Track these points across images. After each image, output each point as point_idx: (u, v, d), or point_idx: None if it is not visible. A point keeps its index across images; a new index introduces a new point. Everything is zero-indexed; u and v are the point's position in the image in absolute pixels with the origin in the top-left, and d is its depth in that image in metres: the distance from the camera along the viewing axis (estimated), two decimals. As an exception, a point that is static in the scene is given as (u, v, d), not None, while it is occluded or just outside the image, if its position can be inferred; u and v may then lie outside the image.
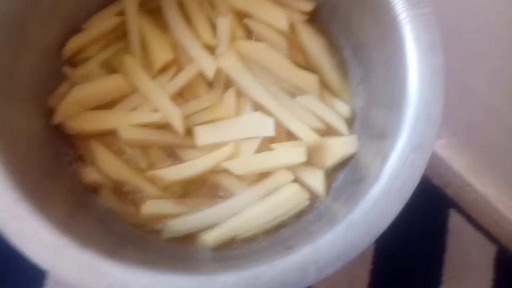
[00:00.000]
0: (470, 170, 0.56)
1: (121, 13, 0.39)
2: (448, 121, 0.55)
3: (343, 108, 0.39)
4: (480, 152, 0.55)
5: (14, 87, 0.32)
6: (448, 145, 0.57)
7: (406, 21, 0.30)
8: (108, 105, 0.38)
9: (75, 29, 0.38)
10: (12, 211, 0.26)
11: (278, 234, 0.36)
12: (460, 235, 0.58)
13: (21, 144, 0.31)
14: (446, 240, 0.57)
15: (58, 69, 0.38)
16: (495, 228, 0.57)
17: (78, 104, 0.36)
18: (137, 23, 0.39)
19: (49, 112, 0.36)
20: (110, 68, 0.39)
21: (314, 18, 0.41)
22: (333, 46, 0.41)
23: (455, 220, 0.58)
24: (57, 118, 0.36)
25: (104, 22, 0.39)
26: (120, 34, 0.40)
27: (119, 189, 0.37)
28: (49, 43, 0.36)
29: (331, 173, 0.39)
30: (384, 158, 0.29)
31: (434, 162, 0.58)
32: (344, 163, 0.38)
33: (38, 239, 0.26)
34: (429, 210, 0.58)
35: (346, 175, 0.38)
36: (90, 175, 0.36)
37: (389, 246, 0.54)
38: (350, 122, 0.40)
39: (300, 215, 0.37)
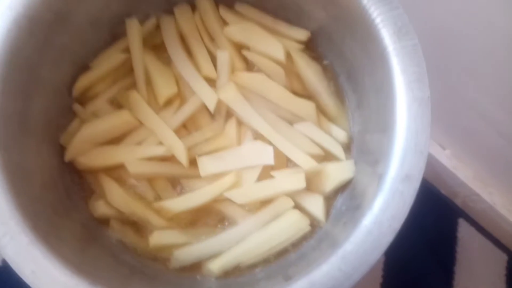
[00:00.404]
0: (477, 180, 0.56)
1: (126, 50, 0.41)
2: (452, 131, 0.56)
3: (340, 133, 0.40)
4: (486, 162, 0.55)
5: (27, 129, 0.34)
6: (453, 155, 0.57)
7: (394, 53, 0.31)
8: (116, 139, 0.40)
9: (84, 68, 0.40)
10: (27, 253, 0.28)
11: (281, 261, 0.38)
12: (469, 245, 0.58)
13: (34, 184, 0.33)
14: (456, 250, 0.57)
15: (69, 107, 0.40)
16: (505, 237, 0.57)
17: (88, 141, 0.39)
18: (141, 59, 0.41)
19: (61, 150, 0.39)
20: (117, 103, 0.41)
21: (310, 46, 0.42)
22: (329, 72, 0.42)
23: (464, 230, 0.58)
24: (69, 156, 0.38)
25: (110, 59, 0.41)
26: (126, 70, 0.42)
27: (128, 221, 0.39)
28: (59, 83, 0.39)
29: (330, 198, 0.40)
30: (377, 186, 0.30)
31: (441, 172, 0.58)
32: (342, 188, 0.39)
33: (52, 280, 0.28)
34: (438, 220, 0.58)
35: (345, 200, 0.39)
36: (100, 208, 0.38)
37: (398, 258, 0.54)
38: (348, 147, 0.41)
39: (301, 241, 0.38)
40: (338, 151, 0.39)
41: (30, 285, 0.28)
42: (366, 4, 0.32)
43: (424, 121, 0.29)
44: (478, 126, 0.52)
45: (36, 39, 0.33)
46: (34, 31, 0.33)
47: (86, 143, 0.39)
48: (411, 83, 0.30)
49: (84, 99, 0.41)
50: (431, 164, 0.57)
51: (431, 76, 0.38)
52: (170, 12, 0.42)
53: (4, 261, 0.49)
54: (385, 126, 0.32)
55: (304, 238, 0.38)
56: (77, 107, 0.40)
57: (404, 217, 0.29)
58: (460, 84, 0.49)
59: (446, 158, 0.57)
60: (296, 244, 0.38)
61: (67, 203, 0.38)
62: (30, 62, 0.34)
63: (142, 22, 0.42)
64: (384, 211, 0.29)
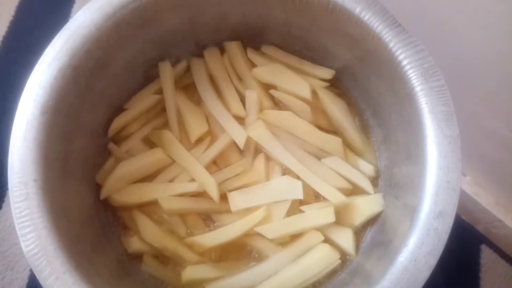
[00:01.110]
0: (499, 206, 0.56)
1: (159, 91, 0.43)
2: (472, 159, 0.56)
3: (367, 167, 0.41)
4: (507, 188, 0.55)
5: (68, 170, 0.36)
6: (473, 182, 0.58)
7: (421, 93, 0.32)
8: (149, 177, 0.41)
9: (118, 109, 0.42)
10: (72, 293, 0.29)
11: (313, 295, 0.38)
12: (493, 271, 0.57)
13: (75, 223, 0.35)
14: (479, 277, 0.57)
15: (104, 147, 0.42)
16: (528, 262, 0.57)
17: (123, 178, 0.40)
18: (173, 99, 0.43)
19: (96, 188, 0.40)
20: (150, 143, 0.43)
21: (335, 83, 0.44)
22: (354, 108, 0.44)
23: (487, 256, 0.58)
24: (104, 193, 0.40)
25: (144, 101, 0.43)
26: (158, 110, 0.44)
27: (161, 256, 0.40)
28: (96, 124, 0.40)
29: (360, 232, 0.40)
30: (411, 222, 0.31)
31: (462, 199, 0.58)
32: (372, 222, 0.40)
33: (95, 317, 0.29)
34: (460, 247, 0.58)
35: (375, 234, 0.39)
36: (134, 244, 0.39)
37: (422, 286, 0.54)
38: (375, 180, 0.42)
39: (332, 275, 0.39)
40: (366, 184, 0.40)
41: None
42: (393, 47, 0.33)
43: (455, 159, 0.30)
44: (498, 153, 0.52)
45: (79, 86, 0.36)
46: (77, 79, 0.35)
47: (121, 181, 0.40)
48: (440, 122, 0.31)
49: (118, 138, 0.43)
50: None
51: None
52: (200, 55, 0.45)
53: None
54: (414, 162, 0.33)
55: (335, 272, 0.39)
56: (112, 146, 0.42)
57: (439, 254, 0.29)
58: (478, 112, 0.50)
59: (467, 185, 0.57)
60: (327, 277, 0.39)
61: (103, 240, 0.39)
62: (73, 108, 0.36)
63: (173, 65, 0.44)
64: (419, 247, 0.29)
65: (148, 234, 0.39)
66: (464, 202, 0.58)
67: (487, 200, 0.57)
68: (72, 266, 0.30)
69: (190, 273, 0.38)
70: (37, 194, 0.31)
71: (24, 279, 0.54)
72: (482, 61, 0.44)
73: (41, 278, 0.30)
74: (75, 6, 0.68)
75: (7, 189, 0.56)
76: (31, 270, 0.54)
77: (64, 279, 0.30)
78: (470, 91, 0.49)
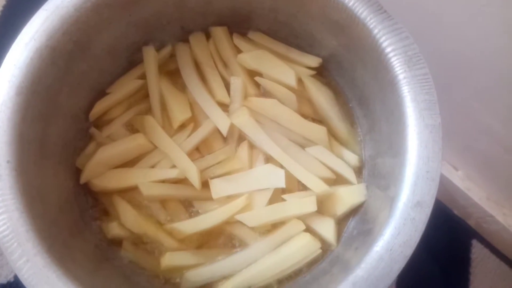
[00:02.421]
0: (491, 201, 0.56)
1: (142, 76, 0.43)
2: (465, 153, 0.56)
3: (352, 157, 0.41)
4: (499, 183, 0.55)
5: (46, 153, 0.35)
6: (465, 176, 0.57)
7: (404, 82, 0.32)
8: (130, 162, 0.41)
9: (101, 93, 0.42)
10: (43, 276, 0.29)
11: (292, 284, 0.38)
12: (484, 266, 0.58)
13: (51, 207, 0.34)
14: (469, 271, 0.57)
15: (85, 131, 0.41)
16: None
17: (103, 163, 0.40)
18: (157, 85, 0.42)
19: (76, 172, 0.40)
20: (132, 128, 0.42)
21: (321, 72, 0.43)
22: (340, 97, 0.43)
23: (478, 251, 0.58)
24: (84, 178, 0.39)
25: (126, 85, 0.42)
26: (141, 95, 0.43)
27: (140, 242, 0.40)
28: (77, 108, 0.40)
29: (342, 222, 0.40)
30: (389, 212, 0.31)
31: (453, 193, 0.58)
32: (354, 212, 0.40)
33: (66, 301, 0.28)
34: (451, 242, 0.58)
35: (356, 224, 0.39)
36: (114, 229, 0.39)
37: (411, 279, 0.54)
38: (359, 171, 0.41)
39: (312, 264, 0.38)
40: (349, 174, 0.40)
41: (46, 307, 0.28)
42: (377, 34, 0.32)
43: (436, 148, 0.30)
44: (491, 148, 0.52)
45: (57, 68, 0.35)
46: (56, 60, 0.34)
47: (101, 166, 0.40)
48: (422, 111, 0.31)
49: (100, 123, 0.42)
50: (444, 185, 0.57)
51: (444, 100, 0.38)
52: (185, 40, 0.44)
53: (16, 276, 0.52)
54: (396, 152, 0.33)
55: (315, 261, 0.38)
56: (93, 130, 0.41)
57: (415, 244, 0.29)
58: (472, 108, 0.50)
59: (459, 179, 0.57)
60: (308, 267, 0.38)
61: (82, 224, 0.39)
62: (51, 90, 0.35)
63: (158, 49, 0.43)
64: (395, 237, 0.29)
65: (128, 219, 0.39)
66: (456, 197, 0.58)
67: (478, 195, 0.56)
68: (44, 249, 0.30)
69: (169, 259, 0.38)
70: (10, 176, 0.31)
71: None
72: (478, 55, 0.44)
73: (11, 260, 0.29)
74: None
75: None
76: None
77: (35, 261, 0.29)
78: (465, 85, 0.48)
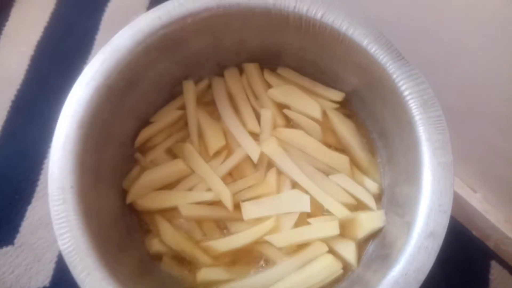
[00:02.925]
0: (509, 224, 0.57)
1: (182, 107, 0.47)
2: (482, 176, 0.58)
3: (372, 185, 0.44)
4: (517, 206, 0.57)
5: (100, 177, 0.40)
6: (483, 199, 0.59)
7: (420, 122, 0.35)
8: (171, 185, 0.45)
9: (145, 122, 0.47)
10: (101, 287, 0.33)
11: (315, 301, 0.41)
12: (502, 287, 0.59)
13: (104, 225, 0.39)
14: (488, 293, 0.58)
15: (131, 156, 0.46)
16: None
17: (147, 186, 0.44)
18: (195, 115, 0.47)
19: (123, 193, 0.44)
20: (173, 154, 0.47)
21: (344, 105, 0.47)
22: (362, 129, 0.47)
23: (496, 272, 0.59)
24: (130, 198, 0.44)
25: (168, 115, 0.47)
26: (181, 124, 0.48)
27: (178, 258, 0.44)
28: (124, 136, 0.45)
29: (362, 245, 0.43)
30: (406, 239, 0.34)
31: (472, 215, 0.60)
32: (373, 236, 0.43)
33: (120, 310, 0.33)
34: (470, 262, 0.59)
35: (375, 248, 0.42)
36: (155, 245, 0.43)
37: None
38: (379, 198, 0.45)
39: (334, 283, 0.42)
40: (370, 201, 0.43)
41: (103, 315, 0.33)
42: (396, 78, 0.36)
43: (447, 184, 0.33)
44: (508, 172, 0.53)
45: (112, 103, 0.40)
46: (110, 97, 0.39)
47: (145, 188, 0.44)
48: (436, 150, 0.34)
49: (144, 149, 0.47)
50: (463, 207, 0.59)
51: (462, 125, 0.41)
52: (220, 74, 0.48)
53: (51, 282, 0.56)
54: (412, 184, 0.36)
55: (337, 280, 0.42)
56: (138, 156, 0.46)
57: (428, 270, 0.32)
58: (489, 132, 0.52)
59: (477, 202, 0.58)
60: (330, 285, 0.42)
61: (127, 241, 0.43)
62: (106, 123, 0.40)
63: (196, 83, 0.48)
64: (410, 263, 0.32)
65: (168, 237, 0.43)
66: (474, 218, 0.59)
67: (496, 218, 0.57)
68: (102, 264, 0.34)
69: (204, 274, 0.42)
70: (73, 199, 0.36)
71: (49, 270, 0.58)
72: (492, 83, 0.46)
73: (75, 273, 0.34)
74: (105, 14, 0.72)
75: (36, 185, 0.61)
76: (56, 263, 0.58)
77: (95, 274, 0.34)
78: (480, 112, 0.50)
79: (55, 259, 0.58)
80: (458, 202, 0.58)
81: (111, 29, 0.70)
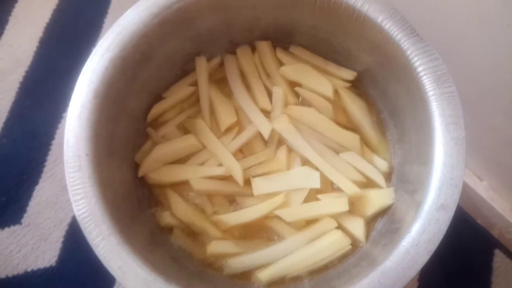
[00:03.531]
0: (515, 213, 0.58)
1: (194, 84, 0.48)
2: (489, 164, 0.58)
3: (382, 163, 0.45)
4: (523, 195, 0.57)
5: (113, 149, 0.41)
6: (489, 187, 0.59)
7: (433, 98, 0.36)
8: (182, 159, 0.46)
9: (157, 98, 0.47)
10: (116, 252, 0.34)
11: (323, 275, 0.42)
12: (505, 276, 0.59)
13: (117, 195, 0.39)
14: (491, 280, 0.58)
15: (143, 130, 0.47)
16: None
17: (158, 160, 0.45)
18: (207, 91, 0.47)
19: (135, 166, 0.45)
20: (184, 129, 0.47)
21: (356, 84, 0.47)
22: (373, 108, 0.47)
23: (500, 261, 0.59)
24: (142, 172, 0.45)
25: (180, 91, 0.47)
26: (193, 100, 0.48)
27: (189, 231, 0.45)
28: (137, 110, 0.45)
29: (371, 221, 0.44)
30: (415, 213, 0.35)
31: (477, 203, 0.60)
32: (382, 213, 0.44)
33: (135, 275, 0.33)
34: (474, 251, 0.60)
35: (384, 224, 0.43)
36: (166, 218, 0.44)
37: (433, 287, 0.57)
38: (388, 176, 0.45)
39: (342, 258, 0.42)
40: (379, 179, 0.44)
41: (117, 278, 0.34)
42: (410, 54, 0.36)
43: (459, 158, 0.34)
44: (514, 162, 0.54)
45: (126, 76, 0.40)
46: (125, 69, 0.40)
47: (157, 162, 0.45)
48: (449, 125, 0.34)
49: (156, 124, 0.47)
50: (468, 195, 0.59)
51: (470, 113, 0.41)
52: (233, 52, 0.49)
53: (58, 261, 0.57)
54: (424, 160, 0.37)
55: (345, 255, 0.42)
56: (150, 130, 0.47)
57: (438, 241, 0.33)
58: (496, 121, 0.52)
59: (483, 190, 0.59)
60: (338, 260, 0.42)
61: (139, 212, 0.44)
62: (120, 94, 0.40)
63: (208, 60, 0.48)
64: (421, 234, 0.33)
65: (179, 210, 0.44)
66: (480, 207, 0.60)
67: (502, 206, 0.58)
68: (116, 230, 0.35)
69: (214, 247, 0.43)
70: (88, 167, 0.36)
71: (56, 250, 0.58)
72: (503, 71, 0.46)
73: (89, 238, 0.34)
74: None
75: (44, 166, 0.61)
76: (63, 242, 0.59)
77: (109, 240, 0.34)
78: (488, 99, 0.50)
79: (61, 239, 0.59)
80: (464, 191, 0.58)
81: (120, 12, 0.69)
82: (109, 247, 0.34)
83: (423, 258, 0.32)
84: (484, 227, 0.61)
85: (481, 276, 0.59)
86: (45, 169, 0.62)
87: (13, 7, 0.71)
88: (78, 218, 0.35)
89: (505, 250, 0.60)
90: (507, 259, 0.60)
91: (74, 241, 0.58)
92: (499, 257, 0.60)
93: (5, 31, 0.70)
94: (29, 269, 0.57)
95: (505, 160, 0.55)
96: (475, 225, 0.61)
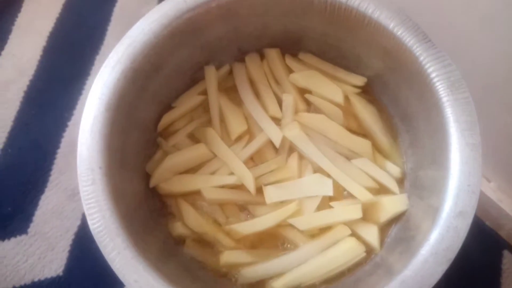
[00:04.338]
0: (523, 214, 0.58)
1: (203, 92, 0.48)
2: (497, 165, 0.58)
3: (394, 169, 0.45)
4: (531, 196, 0.57)
5: (125, 160, 0.40)
6: (498, 188, 0.59)
7: (448, 104, 0.35)
8: (193, 169, 0.46)
9: (167, 107, 0.47)
10: (132, 266, 0.34)
11: (338, 284, 0.41)
12: (514, 277, 0.59)
13: (130, 206, 0.39)
14: (500, 282, 0.58)
15: (153, 140, 0.47)
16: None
17: (170, 170, 0.45)
18: (216, 100, 0.47)
19: (146, 177, 0.45)
20: (195, 138, 0.47)
21: (366, 90, 0.47)
22: (384, 113, 0.47)
23: (509, 262, 0.59)
24: (153, 182, 0.44)
25: (190, 100, 0.47)
26: (203, 109, 0.48)
27: (201, 241, 0.44)
28: (148, 121, 0.45)
29: (385, 228, 0.43)
30: (433, 220, 0.34)
31: (486, 204, 0.60)
32: (396, 219, 0.43)
33: (151, 288, 0.33)
34: (483, 252, 0.59)
35: (399, 231, 0.42)
36: (178, 228, 0.44)
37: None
38: (401, 182, 0.45)
39: (357, 266, 0.42)
40: (392, 185, 0.43)
41: (134, 292, 0.33)
42: (423, 60, 0.36)
43: (476, 165, 0.33)
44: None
45: (137, 87, 0.40)
46: (136, 80, 0.40)
47: (168, 172, 0.45)
48: (464, 131, 0.34)
49: (166, 133, 0.47)
50: (476, 197, 0.59)
51: (478, 114, 0.41)
52: (241, 60, 0.49)
53: (65, 271, 0.57)
54: (439, 166, 0.36)
55: (359, 263, 0.42)
56: (161, 140, 0.46)
57: (457, 249, 0.32)
58: (505, 121, 0.52)
59: (491, 191, 0.58)
60: (353, 268, 0.42)
61: (151, 223, 0.43)
62: (131, 106, 0.40)
63: (217, 68, 0.48)
64: (440, 242, 0.32)
65: (191, 220, 0.44)
66: (488, 208, 0.59)
67: (510, 207, 0.57)
68: (131, 243, 0.35)
69: (227, 257, 0.43)
70: (101, 180, 0.36)
71: (63, 259, 0.58)
72: (508, 70, 0.46)
73: (105, 252, 0.34)
74: (117, 5, 0.72)
75: (49, 175, 0.61)
76: (69, 252, 0.58)
77: (125, 254, 0.34)
78: (497, 99, 0.50)
79: (68, 248, 0.58)
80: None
81: (122, 20, 0.70)
82: (124, 261, 0.34)
83: (443, 266, 0.32)
84: (492, 228, 0.61)
85: (490, 278, 0.58)
86: (51, 178, 0.62)
87: (17, 16, 0.71)
88: (93, 232, 0.35)
89: (514, 251, 0.59)
90: (516, 260, 0.60)
91: (81, 250, 0.58)
92: (508, 258, 0.59)
93: (9, 41, 0.70)
94: (36, 279, 0.57)
95: (513, 160, 0.55)
96: (483, 226, 0.60)
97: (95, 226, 0.35)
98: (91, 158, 0.36)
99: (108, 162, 0.37)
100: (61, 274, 0.57)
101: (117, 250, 0.34)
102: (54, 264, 0.58)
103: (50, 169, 0.62)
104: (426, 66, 0.36)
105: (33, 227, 0.59)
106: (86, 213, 0.35)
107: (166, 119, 0.46)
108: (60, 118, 0.65)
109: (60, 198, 0.61)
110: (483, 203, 0.60)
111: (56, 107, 0.65)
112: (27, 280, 0.57)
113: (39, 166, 0.62)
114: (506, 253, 0.59)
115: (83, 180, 0.36)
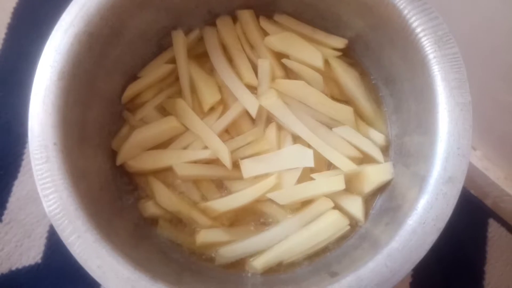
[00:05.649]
0: (509, 181, 0.57)
1: (172, 60, 0.44)
2: (483, 133, 0.57)
3: (378, 136, 0.42)
4: (517, 163, 0.56)
5: (85, 136, 0.37)
6: (483, 156, 0.58)
7: (434, 61, 0.33)
8: (164, 144, 0.42)
9: (133, 77, 0.43)
10: (93, 250, 0.31)
11: (322, 259, 0.39)
12: (500, 245, 0.58)
13: (93, 186, 0.36)
14: (486, 250, 0.58)
15: (119, 114, 0.43)
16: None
17: (138, 146, 0.41)
18: (186, 68, 0.43)
19: (112, 154, 0.41)
20: (164, 111, 0.43)
21: (347, 53, 0.44)
22: (366, 77, 0.44)
23: (494, 230, 0.59)
24: (120, 159, 0.41)
25: (157, 70, 0.43)
26: (172, 79, 0.44)
27: (175, 221, 0.42)
28: (111, 92, 0.41)
29: (369, 199, 0.41)
30: (420, 188, 0.32)
31: (471, 173, 0.59)
32: (381, 189, 0.41)
33: (116, 274, 0.30)
34: (468, 221, 0.59)
35: (384, 201, 0.40)
36: (150, 208, 0.41)
37: (428, 258, 0.55)
38: (386, 150, 0.42)
39: (341, 240, 0.40)
40: (376, 153, 0.41)
41: (97, 279, 0.30)
42: (407, 14, 0.33)
43: (466, 126, 0.31)
44: (510, 128, 0.52)
45: (94, 53, 0.36)
46: (93, 46, 0.36)
47: (136, 148, 0.41)
48: (453, 90, 0.31)
49: (133, 106, 0.43)
50: (462, 166, 0.58)
51: None
52: (212, 24, 0.45)
53: (44, 258, 0.54)
54: (426, 130, 0.34)
55: (344, 237, 0.40)
56: (126, 114, 0.43)
57: (447, 217, 0.30)
58: (494, 86, 0.50)
59: (477, 159, 0.58)
60: (337, 242, 0.40)
61: (120, 204, 0.40)
62: (89, 74, 0.36)
63: (186, 33, 0.44)
64: (428, 211, 0.30)
65: (163, 199, 0.41)
66: (474, 177, 0.59)
67: (496, 175, 0.57)
68: (93, 226, 0.31)
69: (203, 236, 0.40)
70: (57, 157, 0.32)
71: (40, 246, 0.56)
72: (502, 33, 0.44)
73: (63, 236, 0.31)
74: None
75: (22, 159, 0.58)
76: (47, 238, 0.56)
77: (85, 237, 0.31)
78: (487, 63, 0.48)
79: (45, 234, 0.56)
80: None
81: None
82: (85, 245, 0.31)
83: (432, 236, 0.30)
84: (478, 197, 0.60)
85: (476, 246, 0.58)
86: (23, 163, 0.59)
87: (-26, -8, 0.66)
88: (49, 215, 0.31)
89: (499, 219, 0.59)
90: (501, 228, 0.60)
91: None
92: (493, 227, 0.59)
93: (-32, 19, 0.65)
94: (13, 268, 0.55)
95: (500, 127, 0.54)
96: (469, 195, 0.60)
97: (51, 208, 0.32)
98: (44, 133, 0.33)
99: (64, 138, 0.34)
100: (39, 261, 0.55)
101: (77, 234, 0.31)
102: (32, 251, 0.56)
103: (22, 153, 0.59)
104: (411, 21, 0.33)
105: (7, 215, 0.57)
106: (41, 194, 0.32)
107: (131, 90, 0.42)
108: (29, 98, 0.60)
109: (35, 183, 0.57)
110: (469, 172, 0.58)
111: (25, 87, 0.60)
112: (4, 269, 0.55)
113: (11, 150, 0.59)
114: (491, 221, 0.59)
115: (36, 158, 0.32)
